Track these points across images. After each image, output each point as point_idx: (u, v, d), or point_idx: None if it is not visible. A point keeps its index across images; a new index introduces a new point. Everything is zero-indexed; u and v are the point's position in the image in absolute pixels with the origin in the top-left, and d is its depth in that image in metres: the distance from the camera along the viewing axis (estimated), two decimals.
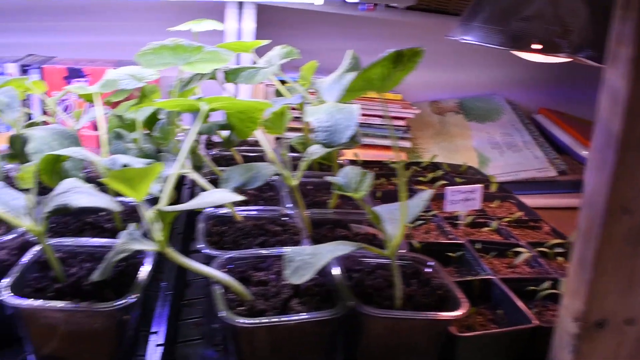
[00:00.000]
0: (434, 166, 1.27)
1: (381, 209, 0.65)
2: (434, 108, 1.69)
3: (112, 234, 0.73)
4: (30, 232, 0.58)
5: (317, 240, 0.72)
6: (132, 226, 0.59)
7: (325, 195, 0.90)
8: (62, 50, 1.45)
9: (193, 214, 0.81)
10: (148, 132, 0.85)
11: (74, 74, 1.31)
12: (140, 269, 0.61)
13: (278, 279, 0.64)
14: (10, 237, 0.67)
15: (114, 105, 0.92)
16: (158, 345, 0.65)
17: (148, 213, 0.56)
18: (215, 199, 0.53)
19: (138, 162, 0.63)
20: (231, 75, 0.76)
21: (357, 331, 0.62)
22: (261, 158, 0.98)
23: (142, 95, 0.87)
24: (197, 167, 0.87)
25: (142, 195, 0.53)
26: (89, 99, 0.79)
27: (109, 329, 0.58)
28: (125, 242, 0.57)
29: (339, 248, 0.59)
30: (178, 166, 0.61)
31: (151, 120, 0.89)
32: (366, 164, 1.15)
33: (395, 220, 0.63)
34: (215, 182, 0.77)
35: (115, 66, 1.32)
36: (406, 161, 1.32)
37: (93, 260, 0.65)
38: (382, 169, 1.18)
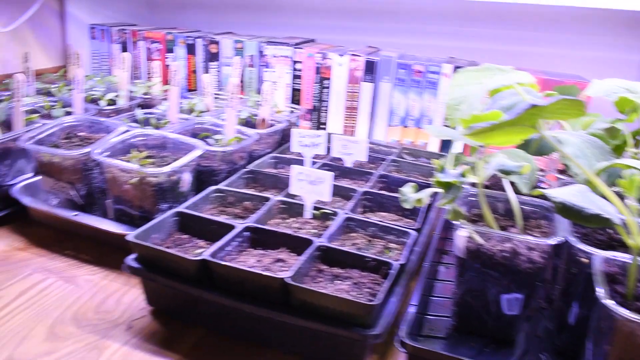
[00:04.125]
0: None
1: None
2: None
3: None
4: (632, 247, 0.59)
5: None
6: None
7: None
8: (476, 56, 1.50)
9: None
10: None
11: None
12: None
13: None
14: (550, 242, 0.71)
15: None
16: None
17: None
18: None
19: None
20: None
21: None
22: None
23: (632, 110, 0.86)
24: None
25: None
26: None
27: None
28: None
29: None
30: None
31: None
32: None
33: None
34: None
35: (542, 76, 1.32)
36: None
37: None
38: None
